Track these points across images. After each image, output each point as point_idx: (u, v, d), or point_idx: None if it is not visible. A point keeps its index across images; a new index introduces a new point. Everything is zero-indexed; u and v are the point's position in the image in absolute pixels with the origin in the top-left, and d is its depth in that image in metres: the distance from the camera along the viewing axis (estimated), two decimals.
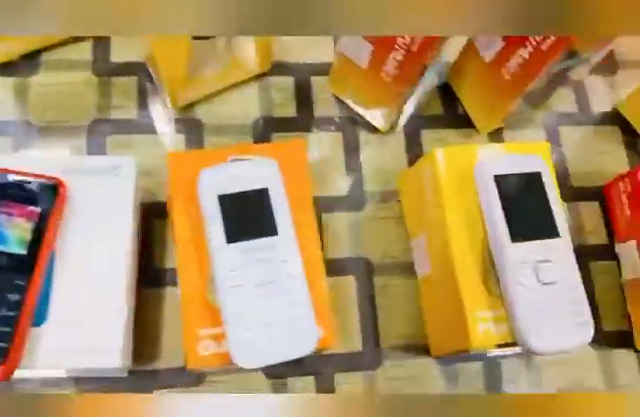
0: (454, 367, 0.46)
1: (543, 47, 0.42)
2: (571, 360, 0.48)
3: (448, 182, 0.42)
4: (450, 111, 0.54)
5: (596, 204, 0.53)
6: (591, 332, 0.39)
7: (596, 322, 0.49)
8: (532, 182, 0.42)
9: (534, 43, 0.43)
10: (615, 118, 0.57)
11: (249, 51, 0.49)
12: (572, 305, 0.39)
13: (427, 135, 0.53)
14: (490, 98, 0.50)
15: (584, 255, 0.51)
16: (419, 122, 0.54)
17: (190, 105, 0.51)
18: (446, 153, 0.43)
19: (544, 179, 0.42)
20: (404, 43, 0.42)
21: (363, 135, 0.52)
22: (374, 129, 0.52)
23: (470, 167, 0.42)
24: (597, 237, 0.52)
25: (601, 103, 0.58)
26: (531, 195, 0.41)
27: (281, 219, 0.38)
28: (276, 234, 0.37)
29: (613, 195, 0.52)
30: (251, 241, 0.37)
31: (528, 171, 0.42)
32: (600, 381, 0.47)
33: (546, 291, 0.39)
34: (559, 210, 0.41)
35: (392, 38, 0.42)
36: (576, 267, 0.40)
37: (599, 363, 0.48)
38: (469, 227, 0.41)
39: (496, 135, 0.54)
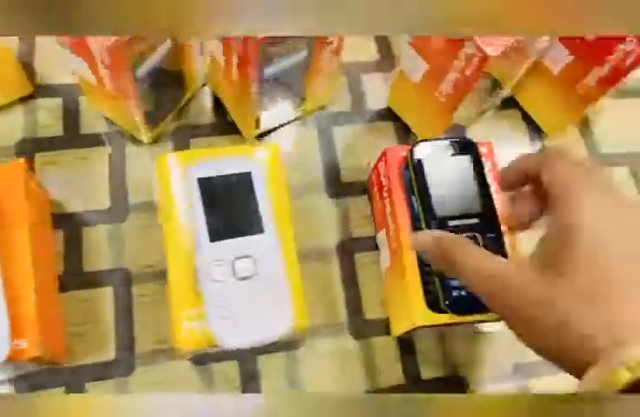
0: (209, 368, 0.47)
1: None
2: (335, 352, 0.49)
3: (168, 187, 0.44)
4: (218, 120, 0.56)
5: (365, 198, 0.55)
6: (288, 324, 0.40)
7: (358, 312, 0.50)
8: (240, 182, 0.43)
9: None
10: (389, 114, 0.59)
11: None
12: (273, 298, 0.41)
13: (196, 144, 0.55)
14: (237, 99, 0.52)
15: (350, 247, 0.52)
16: (189, 131, 0.55)
17: None
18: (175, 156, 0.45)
19: (255, 178, 0.43)
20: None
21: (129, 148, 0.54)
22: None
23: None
24: (364, 230, 0.54)
25: (377, 101, 0.59)
26: (237, 195, 0.43)
27: None
28: None
29: (370, 188, 0.54)
30: None
31: (237, 172, 0.43)
32: (361, 369, 0.49)
33: (242, 286, 0.40)
34: (267, 208, 0.43)
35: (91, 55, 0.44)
36: (280, 261, 0.42)
37: (360, 351, 0.49)
38: (184, 229, 0.43)
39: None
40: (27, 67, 0.56)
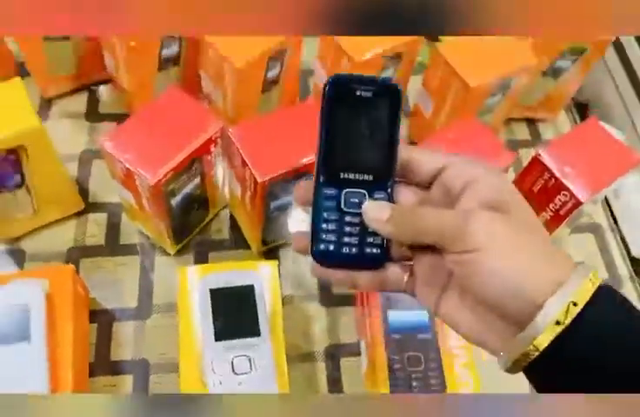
0: None
1: None
2: None
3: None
4: (234, 235, 0.68)
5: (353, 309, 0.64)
6: None
7: None
8: (244, 293, 0.54)
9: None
10: None
11: (55, 197, 0.63)
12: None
13: (214, 257, 0.66)
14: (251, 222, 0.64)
15: (337, 352, 0.62)
16: (207, 245, 0.67)
17: (16, 239, 0.65)
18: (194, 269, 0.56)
19: (256, 290, 0.54)
20: None
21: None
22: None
23: None
24: (350, 337, 0.63)
25: None
26: (241, 303, 0.53)
27: None
28: None
29: (355, 300, 0.64)
30: None
31: (242, 284, 0.54)
32: None
33: (239, 380, 0.50)
34: (263, 315, 0.53)
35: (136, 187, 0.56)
36: (271, 361, 0.51)
37: None
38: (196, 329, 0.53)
39: (269, 254, 0.67)
40: (83, 188, 0.68)
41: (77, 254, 0.64)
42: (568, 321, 0.30)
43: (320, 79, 0.72)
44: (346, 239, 0.36)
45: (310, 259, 0.36)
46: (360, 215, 0.36)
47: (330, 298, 0.65)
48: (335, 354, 0.62)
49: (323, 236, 0.36)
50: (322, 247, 0.36)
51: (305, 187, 0.37)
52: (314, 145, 0.36)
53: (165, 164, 0.53)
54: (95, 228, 0.66)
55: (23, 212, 0.62)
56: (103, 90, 0.77)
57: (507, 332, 0.33)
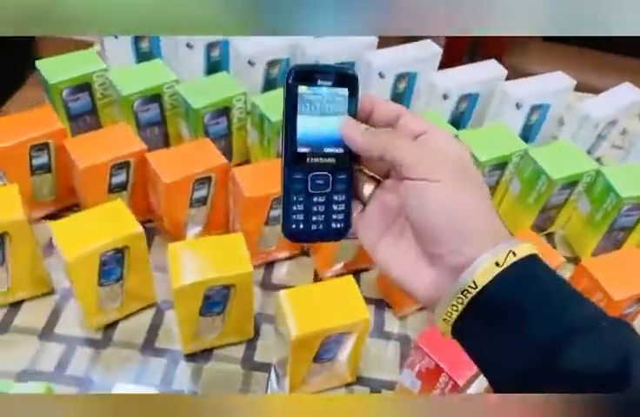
0: None
1: None
2: None
3: None
4: None
5: None
6: None
7: None
8: None
9: None
10: None
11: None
12: None
13: None
14: None
15: None
16: None
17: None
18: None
19: None
20: None
21: None
22: None
23: None
24: None
25: None
26: None
27: None
28: None
29: None
30: None
31: None
32: None
33: None
34: None
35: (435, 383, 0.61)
36: None
37: None
38: None
39: None
40: None
41: None
42: (506, 265, 0.34)
43: None
44: (314, 217, 0.40)
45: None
46: (326, 194, 0.40)
47: None
48: None
49: (294, 217, 0.40)
50: (293, 226, 0.41)
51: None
52: None
53: None
54: None
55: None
56: None
57: (437, 279, 0.37)
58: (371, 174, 0.43)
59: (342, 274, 0.71)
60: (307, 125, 0.40)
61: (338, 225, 0.41)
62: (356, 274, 0.89)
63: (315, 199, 0.40)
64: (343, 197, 0.41)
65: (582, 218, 0.89)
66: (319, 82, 0.40)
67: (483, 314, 0.35)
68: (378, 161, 0.39)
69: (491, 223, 0.37)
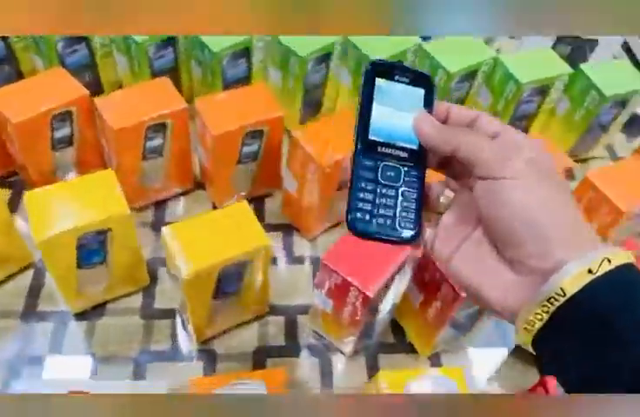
0: None
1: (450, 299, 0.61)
2: None
3: None
4: (398, 339, 0.73)
5: None
6: None
7: None
8: None
9: (444, 298, 0.62)
10: None
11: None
12: None
13: (382, 359, 0.72)
14: (422, 330, 0.69)
15: None
16: (376, 347, 0.72)
17: (209, 339, 0.72)
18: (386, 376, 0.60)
19: None
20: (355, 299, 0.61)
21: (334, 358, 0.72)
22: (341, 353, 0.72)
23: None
24: None
25: None
26: None
27: None
28: None
29: None
30: None
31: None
32: None
33: None
34: None
35: (345, 298, 0.62)
36: None
37: None
38: None
39: (434, 358, 0.72)
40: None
41: (262, 354, 0.71)
42: (600, 273, 0.30)
43: None
44: (380, 210, 0.38)
45: None
46: (396, 188, 0.38)
47: None
48: None
49: (359, 205, 0.38)
50: (357, 215, 0.37)
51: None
52: None
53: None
54: (275, 330, 0.73)
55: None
56: None
57: (518, 287, 0.33)
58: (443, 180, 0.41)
59: None
60: (382, 116, 0.40)
61: (406, 226, 0.38)
62: (260, 200, 0.84)
63: (384, 190, 0.38)
64: (414, 195, 0.39)
65: (485, 108, 0.88)
66: (397, 77, 0.41)
67: (571, 325, 0.31)
68: (447, 159, 0.38)
69: (578, 225, 0.34)
